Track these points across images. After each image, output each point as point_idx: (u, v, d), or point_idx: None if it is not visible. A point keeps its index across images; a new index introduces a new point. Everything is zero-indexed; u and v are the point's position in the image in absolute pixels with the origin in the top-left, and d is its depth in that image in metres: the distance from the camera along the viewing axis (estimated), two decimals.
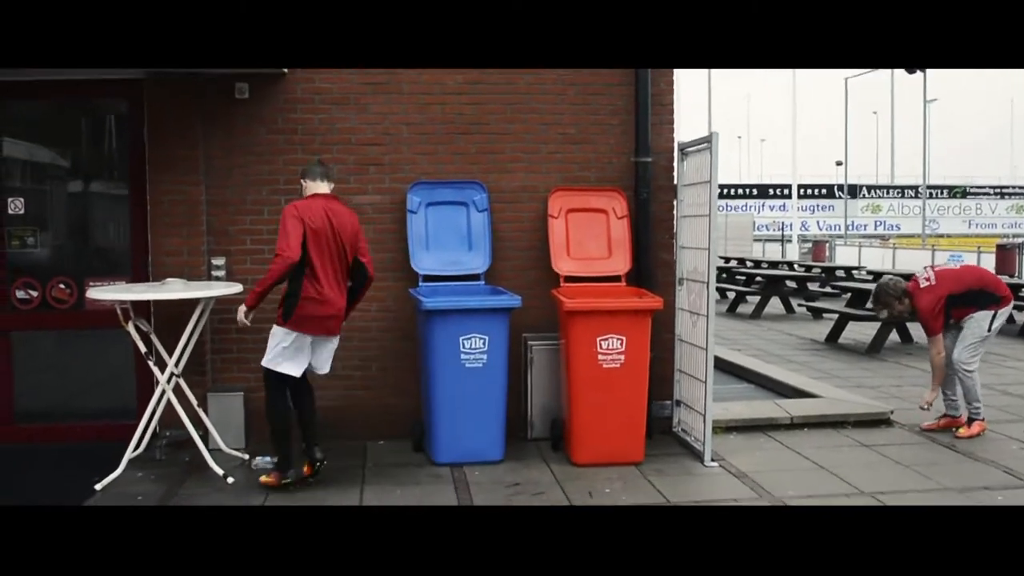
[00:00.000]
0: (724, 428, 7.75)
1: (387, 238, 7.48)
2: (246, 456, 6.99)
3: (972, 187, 62.10)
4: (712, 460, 6.85)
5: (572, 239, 7.38)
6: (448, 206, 7.40)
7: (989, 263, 25.39)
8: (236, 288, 6.90)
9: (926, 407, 7.85)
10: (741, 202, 56.53)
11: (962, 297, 7.68)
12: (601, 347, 6.63)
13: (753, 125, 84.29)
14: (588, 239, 7.41)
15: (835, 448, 7.35)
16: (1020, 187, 63.40)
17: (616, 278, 7.38)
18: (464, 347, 6.66)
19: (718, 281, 21.20)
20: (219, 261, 7.39)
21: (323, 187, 6.37)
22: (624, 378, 6.67)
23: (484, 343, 6.66)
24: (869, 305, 8.13)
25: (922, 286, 7.77)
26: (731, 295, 19.58)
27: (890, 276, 8.25)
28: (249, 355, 7.38)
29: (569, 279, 7.31)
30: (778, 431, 7.80)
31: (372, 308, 7.47)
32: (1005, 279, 20.30)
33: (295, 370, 6.25)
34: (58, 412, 7.67)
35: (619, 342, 6.65)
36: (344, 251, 6.26)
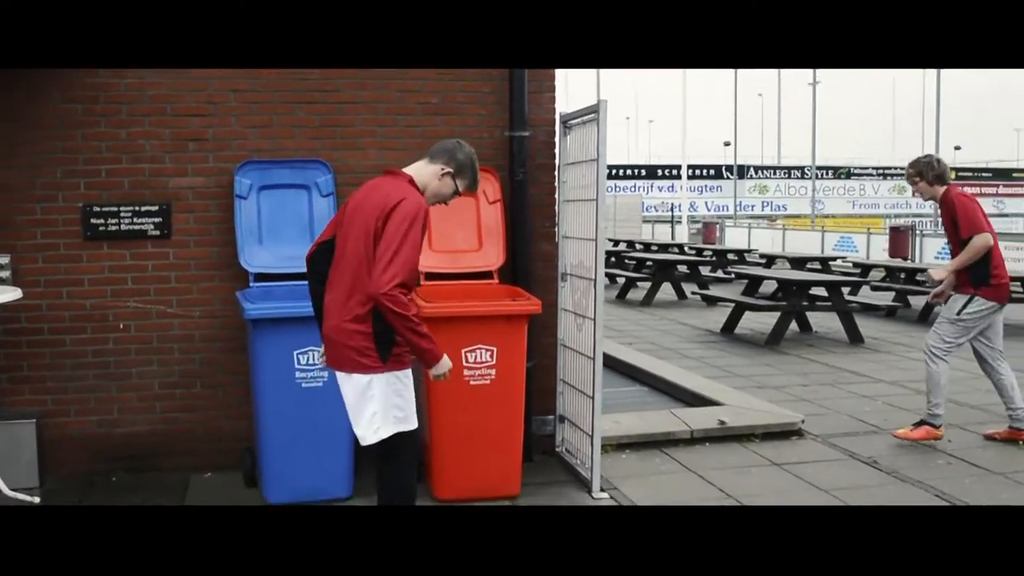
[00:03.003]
0: (615, 445, 6.71)
1: (212, 229, 6.20)
2: (36, 499, 5.68)
3: (856, 168, 62.87)
4: (601, 490, 5.77)
5: (434, 228, 6.15)
6: (285, 190, 6.14)
7: (881, 244, 25.14)
8: (16, 293, 5.56)
9: (932, 284, 7.03)
10: (630, 183, 56.14)
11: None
12: (467, 360, 5.48)
13: (641, 106, 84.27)
14: (454, 228, 6.23)
15: (743, 470, 6.34)
16: (901, 168, 64.16)
17: (488, 274, 6.22)
18: (300, 363, 5.45)
19: (607, 266, 20.54)
20: (2, 259, 6.00)
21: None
22: (495, 397, 5.53)
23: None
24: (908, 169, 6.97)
25: (959, 190, 6.87)
26: (620, 281, 18.67)
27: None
28: (45, 372, 6.13)
29: (431, 276, 6.14)
30: (677, 448, 6.78)
31: (196, 313, 6.21)
32: (898, 263, 20.00)
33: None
34: None
35: (489, 354, 5.51)
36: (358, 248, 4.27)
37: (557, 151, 6.46)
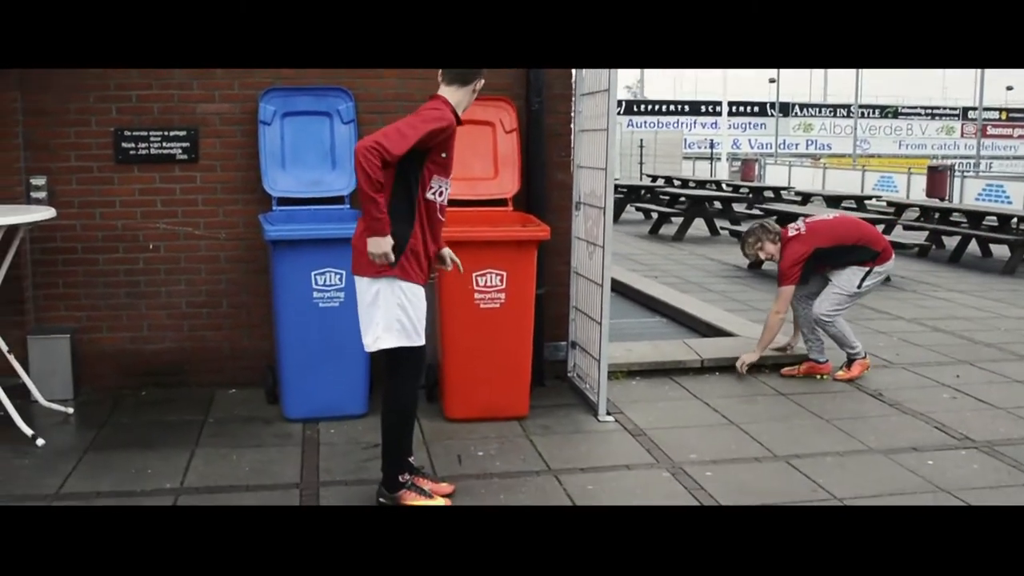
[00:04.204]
0: (626, 372, 6.89)
1: (237, 154, 6.39)
2: (70, 410, 5.98)
3: (903, 107, 61.86)
4: (608, 414, 5.97)
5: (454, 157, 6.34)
6: (308, 117, 6.29)
7: (920, 184, 24.91)
8: (50, 212, 5.80)
9: (741, 370, 7.02)
10: (673, 119, 55.70)
11: (831, 252, 6.91)
12: (478, 284, 5.67)
13: None
14: (471, 156, 6.35)
15: (748, 398, 6.51)
16: (951, 108, 63.24)
17: (503, 202, 6.38)
18: (317, 283, 5.66)
19: (641, 201, 20.62)
20: (39, 181, 6.24)
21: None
22: (505, 321, 5.72)
23: (341, 279, 5.66)
24: (743, 252, 7.41)
25: (791, 235, 7.00)
26: (654, 216, 18.72)
27: (764, 221, 7.56)
28: (79, 290, 6.39)
29: (449, 203, 6.28)
30: (686, 376, 6.95)
31: (222, 235, 6.43)
32: (936, 203, 19.87)
33: None
34: None
35: (499, 278, 5.69)
36: None
37: (573, 81, 6.56)
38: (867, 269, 6.92)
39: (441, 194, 4.56)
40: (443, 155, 4.48)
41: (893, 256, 7.14)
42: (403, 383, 4.54)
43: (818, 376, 7.02)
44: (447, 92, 4.54)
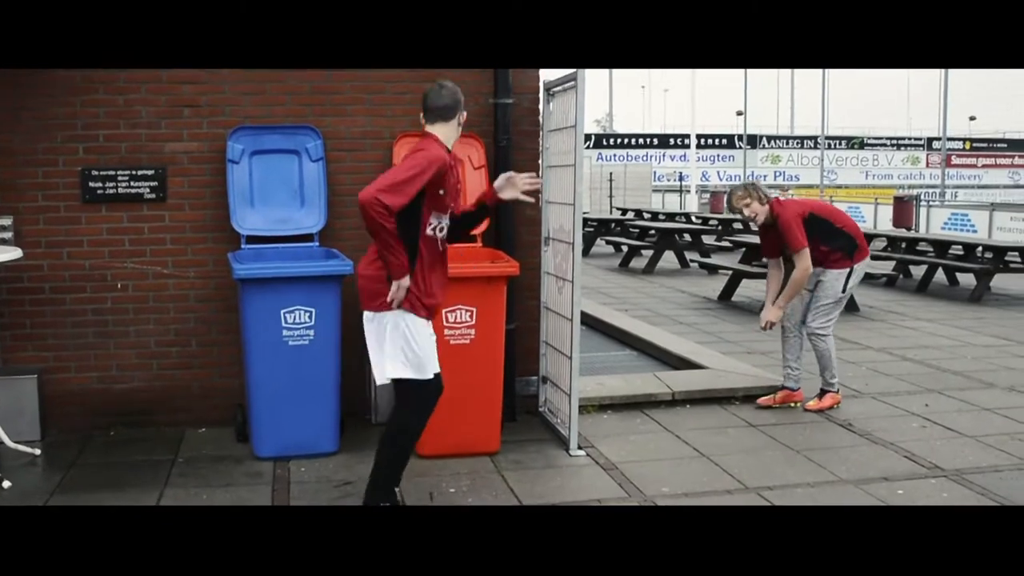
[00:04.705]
0: (597, 406, 6.90)
1: (205, 192, 6.39)
2: (37, 451, 5.92)
3: (869, 139, 62.59)
4: (579, 448, 5.98)
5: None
6: (276, 155, 6.32)
7: (887, 214, 25.16)
8: (17, 253, 5.77)
9: (767, 327, 7.03)
10: (642, 152, 56.07)
11: (825, 225, 6.92)
12: (447, 320, 5.67)
13: (655, 75, 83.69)
14: None
15: (719, 430, 6.53)
16: (915, 138, 63.99)
17: (472, 238, 6.38)
18: (287, 322, 5.64)
19: (611, 234, 20.70)
20: (5, 221, 6.22)
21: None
22: (475, 356, 5.73)
23: (311, 316, 5.66)
24: (727, 204, 7.32)
25: (784, 200, 7.06)
26: (624, 248, 18.81)
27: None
28: (47, 330, 6.35)
29: None
30: (657, 409, 6.96)
31: (190, 274, 6.41)
32: (903, 232, 20.07)
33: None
34: None
35: (468, 314, 5.70)
36: None
37: (541, 117, 6.61)
38: (848, 269, 6.92)
39: (441, 230, 4.74)
40: (440, 192, 4.61)
41: (868, 256, 7.17)
42: (410, 415, 4.70)
43: (792, 404, 7.06)
44: (434, 130, 4.69)
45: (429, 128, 4.71)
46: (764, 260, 7.35)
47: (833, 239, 6.91)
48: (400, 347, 4.57)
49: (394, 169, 4.59)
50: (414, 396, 4.67)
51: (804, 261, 6.77)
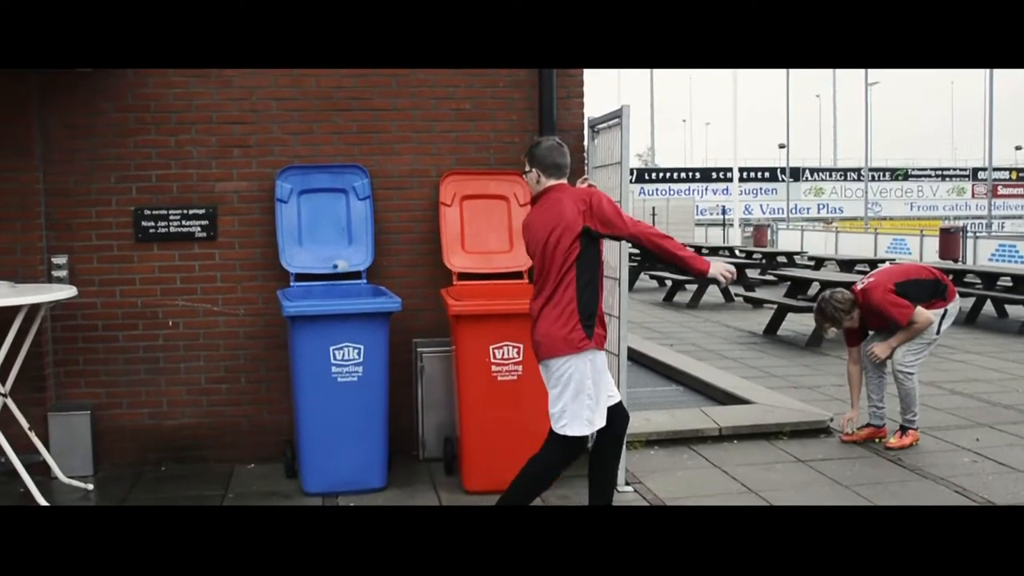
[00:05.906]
0: (644, 442, 6.88)
1: (255, 231, 6.50)
2: (90, 487, 6.00)
3: (914, 169, 62.10)
4: (626, 484, 5.96)
5: (467, 230, 6.45)
6: (324, 194, 6.42)
7: (933, 246, 24.93)
8: (71, 291, 5.88)
9: (875, 361, 7.01)
10: (684, 186, 56.04)
11: (912, 285, 6.86)
12: (495, 356, 5.70)
13: (697, 108, 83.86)
14: (486, 230, 6.47)
15: (767, 465, 6.49)
16: (960, 169, 63.45)
17: (518, 275, 6.45)
18: (335, 358, 5.70)
19: (655, 269, 20.65)
20: (60, 260, 6.36)
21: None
22: (523, 392, 5.73)
23: (359, 353, 5.71)
24: (815, 319, 7.17)
25: (865, 285, 6.96)
26: (668, 283, 18.78)
27: (832, 289, 7.12)
28: (99, 367, 6.46)
29: (463, 276, 6.38)
30: (704, 444, 6.93)
31: (240, 311, 6.50)
32: (950, 264, 19.88)
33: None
34: None
35: (516, 351, 5.73)
36: (543, 257, 4.75)
37: (586, 155, 6.66)
38: (942, 311, 6.90)
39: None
40: None
41: (957, 296, 7.12)
42: (554, 462, 4.83)
43: (876, 440, 7.02)
44: (555, 182, 4.79)
45: (553, 182, 4.78)
46: (848, 349, 7.22)
47: (925, 293, 6.89)
48: (585, 403, 4.66)
49: (612, 209, 4.67)
50: (569, 449, 4.80)
51: (922, 315, 6.78)
